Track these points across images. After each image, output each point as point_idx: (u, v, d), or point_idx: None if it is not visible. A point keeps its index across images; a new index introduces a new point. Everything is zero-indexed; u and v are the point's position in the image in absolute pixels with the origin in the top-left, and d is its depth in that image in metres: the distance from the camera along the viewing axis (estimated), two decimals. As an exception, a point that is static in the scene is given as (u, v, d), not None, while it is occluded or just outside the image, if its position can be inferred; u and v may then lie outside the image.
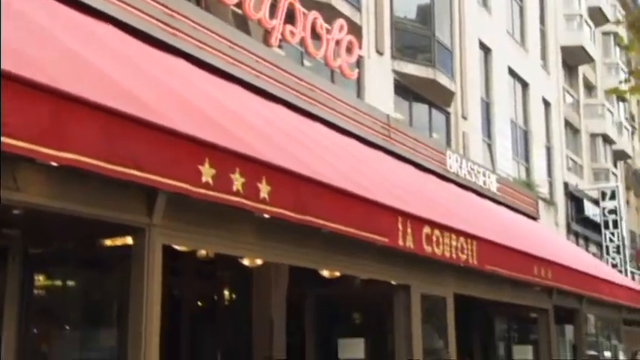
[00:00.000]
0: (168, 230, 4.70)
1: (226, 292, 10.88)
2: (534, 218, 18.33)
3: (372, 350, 8.91)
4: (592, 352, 13.69)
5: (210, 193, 4.54)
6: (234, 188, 4.75)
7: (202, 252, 7.79)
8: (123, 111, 4.00)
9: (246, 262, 7.28)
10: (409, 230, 7.35)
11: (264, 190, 5.02)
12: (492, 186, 16.20)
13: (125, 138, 3.98)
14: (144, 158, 4.10)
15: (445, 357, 8.89)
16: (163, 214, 4.64)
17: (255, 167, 4.99)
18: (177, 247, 5.51)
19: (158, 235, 4.61)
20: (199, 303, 11.13)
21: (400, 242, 7.22)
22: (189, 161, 4.43)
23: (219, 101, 6.98)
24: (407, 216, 7.25)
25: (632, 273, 26.45)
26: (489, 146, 18.92)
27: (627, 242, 27.36)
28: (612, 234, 24.59)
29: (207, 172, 4.49)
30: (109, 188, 4.21)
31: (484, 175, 15.98)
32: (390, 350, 8.45)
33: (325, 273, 7.87)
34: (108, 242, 4.75)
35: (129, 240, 4.61)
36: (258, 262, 7.07)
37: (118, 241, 4.69)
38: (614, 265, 23.93)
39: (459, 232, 8.52)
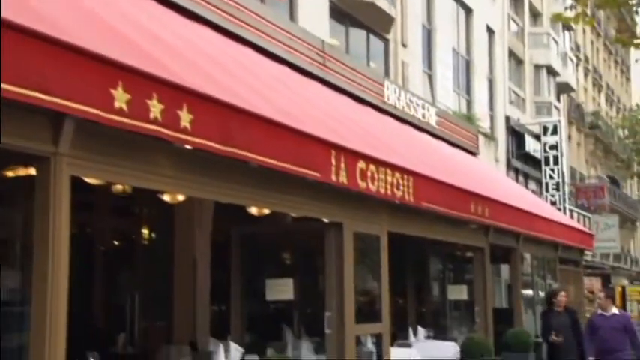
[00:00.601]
0: (76, 160, 4.55)
1: (145, 231, 10.78)
2: (474, 154, 18.77)
3: (302, 291, 9.05)
4: (527, 292, 14.33)
5: (124, 120, 4.40)
6: (152, 116, 4.62)
7: (118, 186, 7.63)
8: (27, 26, 3.79)
9: (166, 197, 7.18)
10: (343, 165, 7.39)
11: (185, 118, 4.90)
12: (432, 119, 16.42)
13: (29, 57, 3.79)
14: (50, 80, 3.92)
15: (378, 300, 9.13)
16: (71, 142, 4.47)
17: (175, 93, 4.85)
18: (87, 180, 5.36)
19: (65, 165, 4.46)
20: (115, 242, 11.01)
21: (333, 178, 7.25)
22: (101, 84, 4.26)
23: (136, 21, 6.71)
24: (341, 150, 7.27)
25: (570, 211, 27.60)
26: (430, 77, 19.06)
27: (567, 179, 28.46)
28: (552, 170, 25.44)
29: (120, 97, 4.34)
30: (9, 113, 4.03)
31: (423, 107, 16.15)
32: (320, 291, 8.60)
33: (253, 210, 7.87)
34: (9, 173, 4.56)
35: (32, 171, 4.44)
36: (180, 197, 6.98)
37: (21, 172, 4.51)
38: (553, 203, 24.88)
39: (395, 168, 8.62)
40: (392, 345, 10.00)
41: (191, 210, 9.41)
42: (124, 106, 4.38)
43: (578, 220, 27.19)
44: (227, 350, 7.52)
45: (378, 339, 9.18)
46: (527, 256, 14.67)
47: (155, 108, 4.63)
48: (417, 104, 15.90)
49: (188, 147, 5.21)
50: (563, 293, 10.78)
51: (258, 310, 9.32)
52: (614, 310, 9.95)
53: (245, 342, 8.47)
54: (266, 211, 7.81)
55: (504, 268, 18.47)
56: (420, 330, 12.06)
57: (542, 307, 12.53)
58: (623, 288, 34.78)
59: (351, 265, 8.29)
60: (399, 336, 11.87)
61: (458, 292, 13.54)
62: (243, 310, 8.74)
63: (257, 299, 9.11)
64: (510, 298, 15.14)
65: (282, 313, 9.64)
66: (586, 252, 20.07)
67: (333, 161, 7.23)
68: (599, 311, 10.06)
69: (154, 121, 4.65)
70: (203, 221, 9.71)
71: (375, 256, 9.28)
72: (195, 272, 9.78)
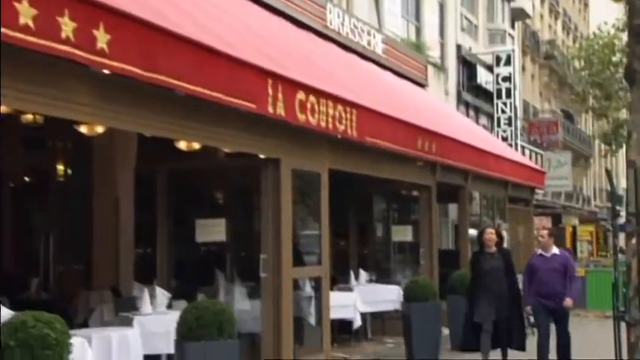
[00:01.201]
0: (-24, 86, 4.35)
1: (60, 166, 10.54)
2: (422, 85, 18.85)
3: (235, 232, 9.05)
4: (475, 232, 14.65)
5: (30, 38, 4.21)
6: (63, 35, 4.42)
7: (27, 115, 7.38)
8: None
9: (83, 129, 6.98)
10: (280, 95, 7.31)
11: (101, 39, 4.72)
12: (378, 47, 16.35)
13: None
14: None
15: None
16: (-30, 65, 4.26)
17: (89, 10, 4.65)
18: (-9, 109, 5.15)
19: (-37, 91, 4.26)
20: (26, 178, 10.74)
21: (270, 109, 7.18)
22: (2, -1, 4.04)
23: None
24: (278, 78, 7.17)
25: (522, 147, 28.19)
26: (376, 1, 18.89)
27: (520, 113, 28.95)
28: (505, 104, 25.79)
29: (26, 13, 4.13)
30: None
31: (369, 34, 16.05)
32: (256, 233, 8.62)
33: (182, 145, 7.75)
34: None
35: None
36: (99, 129, 6.80)
37: None
38: (505, 139, 25.32)
39: (338, 99, 8.58)
40: (332, 289, 10.17)
41: (112, 143, 9.22)
42: (30, 23, 4.18)
43: (530, 157, 27.83)
44: (153, 296, 7.51)
45: (316, 283, 9.29)
46: (476, 195, 14.96)
47: (67, 26, 4.44)
48: (362, 30, 15.78)
49: (106, 71, 5.04)
50: (490, 231, 9.75)
51: (187, 253, 9.29)
52: (555, 250, 9.52)
53: (173, 287, 8.46)
54: (196, 146, 7.70)
55: (452, 208, 18.86)
56: (362, 273, 12.26)
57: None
58: (574, 228, 36.08)
59: (288, 205, 8.30)
60: (340, 280, 12.05)
61: (402, 234, 13.77)
62: (171, 253, 8.70)
63: (186, 241, 9.07)
64: (457, 240, 15.49)
65: (214, 257, 9.65)
66: (537, 191, 20.63)
67: (270, 91, 7.14)
68: (539, 251, 9.66)
69: (66, 41, 4.46)
70: (126, 156, 9.53)
71: (314, 196, 9.31)
72: (118, 212, 9.67)
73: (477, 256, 9.81)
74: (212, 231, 8.60)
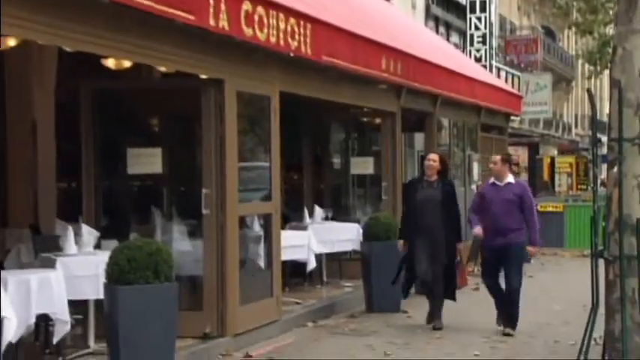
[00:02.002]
0: None
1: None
2: (387, -2, 18.72)
3: (173, 163, 8.99)
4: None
5: None
6: None
7: None
8: None
9: (-8, 42, 6.77)
10: (223, 6, 7.21)
11: None
12: (337, -48, 16.10)
13: None
14: None
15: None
16: None
17: None
18: None
19: None
20: None
21: (211, 22, 7.08)
22: None
23: None
24: (221, -15, 7.03)
25: (497, 69, 28.34)
26: None
27: (495, 30, 29.00)
28: (479, 19, 25.80)
29: None
30: None
31: (327, -64, 15.78)
32: (197, 164, 8.58)
33: (110, 62, 7.61)
34: None
35: None
36: (10, 42, 6.61)
37: None
38: (478, 59, 25.45)
39: (290, 11, 8.48)
40: (283, 228, 10.23)
41: (27, 59, 9.00)
42: None
43: (506, 80, 28.03)
44: (78, 234, 7.47)
45: (266, 221, 9.33)
46: (445, 122, 15.05)
47: None
48: None
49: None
50: (433, 157, 9.26)
51: (118, 186, 9.21)
52: (510, 178, 9.02)
53: (102, 225, 8.40)
54: (126, 64, 7.56)
55: (418, 138, 19.00)
56: (318, 210, 12.33)
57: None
58: (553, 159, 36.73)
59: (234, 133, 8.26)
60: (293, 218, 12.11)
61: (363, 166, 13.83)
62: (99, 187, 8.60)
63: (117, 173, 8.97)
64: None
65: (149, 191, 9.58)
66: (513, 118, 20.85)
67: (211, 0, 7.01)
68: (492, 180, 9.21)
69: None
70: (44, 74, 9.33)
71: (264, 123, 9.28)
72: (36, 139, 9.50)
73: (413, 183, 9.50)
74: (147, 162, 8.50)
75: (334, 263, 12.34)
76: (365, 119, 14.44)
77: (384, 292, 10.10)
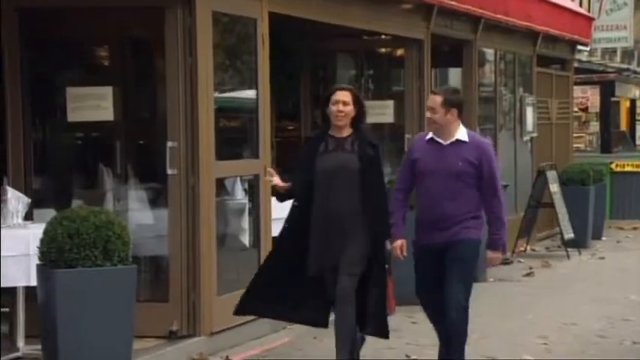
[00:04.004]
0: None
1: None
2: None
3: (129, 108, 9.01)
4: (486, 111, 14.78)
5: None
6: None
7: None
8: None
9: None
10: None
11: None
12: None
13: None
14: None
15: None
16: None
17: None
18: None
19: None
20: None
21: None
22: None
23: None
24: None
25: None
26: None
27: None
28: None
29: None
30: None
31: None
32: (160, 109, 8.59)
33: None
34: None
35: None
36: None
37: None
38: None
39: None
40: (274, 195, 10.22)
41: None
42: None
43: (572, -3, 27.80)
44: (3, 200, 7.49)
45: (252, 185, 9.35)
46: (489, 54, 14.99)
47: None
48: None
49: None
50: (342, 96, 7.30)
51: (54, 138, 9.23)
52: (461, 133, 7.16)
53: (34, 189, 8.43)
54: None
55: (453, 75, 18.88)
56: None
57: None
58: (633, 102, 36.58)
59: (208, 68, 8.26)
60: (288, 180, 12.09)
61: (380, 113, 13.76)
62: (30, 139, 8.61)
63: (53, 121, 8.99)
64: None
65: (96, 144, 9.60)
66: (580, 47, 20.72)
67: None
68: (429, 134, 7.27)
69: None
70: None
71: (248, 55, 9.26)
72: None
73: (314, 142, 7.56)
74: (93, 105, 8.51)
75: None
76: (382, 50, 14.40)
77: (409, 280, 10.11)
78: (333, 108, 7.31)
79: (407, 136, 12.50)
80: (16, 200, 7.58)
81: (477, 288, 10.93)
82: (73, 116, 8.56)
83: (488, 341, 8.72)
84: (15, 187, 7.93)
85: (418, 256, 7.25)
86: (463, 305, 7.11)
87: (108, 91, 8.59)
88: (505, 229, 7.24)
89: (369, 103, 14.60)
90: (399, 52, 13.10)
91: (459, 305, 7.07)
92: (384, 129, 14.13)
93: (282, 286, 7.38)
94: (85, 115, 8.57)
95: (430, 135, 7.23)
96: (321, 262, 7.24)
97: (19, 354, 7.42)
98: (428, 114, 7.24)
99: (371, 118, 14.08)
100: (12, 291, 7.36)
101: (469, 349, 7.65)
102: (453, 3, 12.28)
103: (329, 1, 10.08)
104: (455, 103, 7.18)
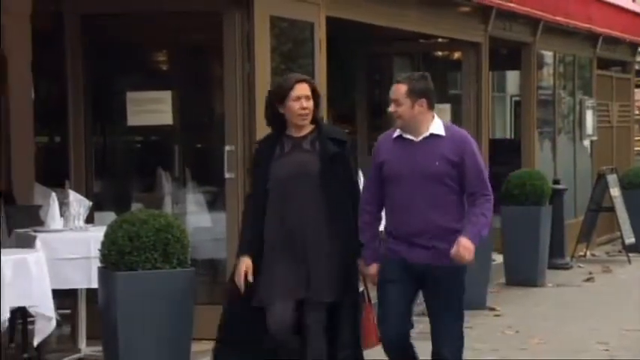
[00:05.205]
0: None
1: None
2: None
3: (187, 112, 9.06)
4: (544, 114, 14.70)
5: None
6: None
7: None
8: None
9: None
10: None
11: None
12: None
13: None
14: None
15: None
16: None
17: None
18: None
19: None
20: None
21: None
22: None
23: None
24: None
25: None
26: None
27: None
28: None
29: None
30: None
31: None
32: (218, 113, 8.64)
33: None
34: None
35: None
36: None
37: None
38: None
39: None
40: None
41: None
42: None
43: None
44: (65, 203, 7.58)
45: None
46: (548, 56, 14.90)
47: None
48: None
49: None
50: (303, 87, 6.05)
51: (115, 142, 9.32)
52: (436, 127, 5.94)
53: (94, 192, 8.52)
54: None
55: (511, 78, 18.82)
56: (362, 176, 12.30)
57: None
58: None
59: (265, 72, 8.29)
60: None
61: (438, 114, 13.77)
62: (91, 143, 8.72)
63: (114, 125, 9.08)
64: (518, 124, 15.49)
65: (155, 148, 9.68)
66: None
67: None
68: (397, 132, 5.98)
69: None
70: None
71: (304, 59, 9.28)
72: (6, 79, 9.62)
73: (268, 145, 6.17)
74: (152, 110, 8.60)
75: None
76: (439, 53, 14.37)
77: (467, 282, 10.09)
78: (294, 105, 6.00)
79: (464, 139, 12.45)
80: (78, 203, 7.66)
81: (536, 293, 11.10)
82: (132, 120, 8.65)
83: (548, 346, 8.67)
84: (77, 190, 8.02)
85: (385, 275, 5.91)
86: (457, 345, 5.98)
87: (167, 95, 8.68)
88: (487, 227, 5.92)
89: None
90: (456, 55, 13.07)
91: (453, 347, 5.94)
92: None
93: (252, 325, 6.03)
94: (144, 119, 8.66)
95: (397, 132, 5.95)
96: (275, 290, 5.91)
97: (80, 355, 7.52)
98: (391, 108, 5.91)
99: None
100: (73, 293, 7.46)
101: (527, 354, 7.64)
102: (512, 5, 12.23)
103: (386, 4, 10.09)
104: (422, 91, 5.90)
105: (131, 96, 8.64)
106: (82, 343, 7.54)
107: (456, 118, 12.97)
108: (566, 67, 15.53)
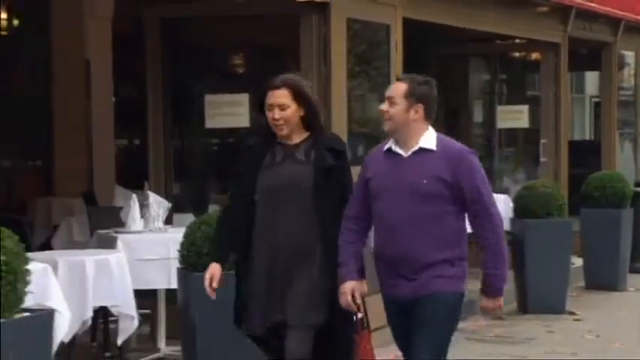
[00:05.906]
0: None
1: (2, 14, 10.62)
2: None
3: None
4: (626, 116, 14.54)
5: None
6: None
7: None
8: None
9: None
10: None
11: None
12: None
13: None
14: None
15: None
16: None
17: None
18: None
19: None
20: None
21: None
22: None
23: None
24: None
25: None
26: None
27: None
28: None
29: None
30: None
31: None
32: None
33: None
34: None
35: None
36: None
37: None
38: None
39: None
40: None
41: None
42: None
43: None
44: (145, 205, 7.67)
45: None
46: (630, 56, 14.72)
47: None
48: None
49: None
50: (276, 94, 5.30)
51: (193, 145, 9.40)
52: (428, 140, 5.20)
53: (174, 193, 8.61)
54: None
55: (591, 79, 18.61)
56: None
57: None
58: None
59: (341, 73, 8.32)
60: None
61: (514, 118, 13.70)
62: (170, 145, 8.81)
63: (192, 128, 9.16)
64: (597, 126, 15.31)
65: (233, 150, 9.74)
66: None
67: None
68: (387, 144, 5.28)
69: None
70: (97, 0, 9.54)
71: (380, 61, 9.28)
72: (89, 83, 9.76)
73: (256, 152, 5.46)
74: (231, 112, 8.66)
75: (473, 246, 12.30)
76: (517, 54, 14.26)
77: (544, 286, 10.04)
78: (268, 115, 5.32)
79: (542, 141, 12.38)
80: (158, 205, 7.76)
81: (617, 297, 10.96)
82: (210, 123, 8.72)
83: (630, 352, 8.57)
84: (156, 192, 8.11)
85: (386, 308, 5.32)
86: None
87: (244, 98, 8.72)
88: (505, 265, 5.28)
89: (500, 109, 14.64)
90: (534, 55, 12.97)
91: None
92: (518, 134, 14.04)
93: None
94: (222, 122, 8.72)
95: (388, 145, 5.25)
96: (264, 316, 5.31)
97: (159, 355, 7.59)
98: (384, 106, 5.20)
99: (505, 123, 14.11)
100: (153, 293, 7.55)
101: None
102: (593, 5, 12.11)
103: (463, 5, 10.05)
104: (423, 96, 5.21)
105: (209, 99, 8.71)
106: (162, 343, 7.62)
107: (534, 119, 12.89)
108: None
